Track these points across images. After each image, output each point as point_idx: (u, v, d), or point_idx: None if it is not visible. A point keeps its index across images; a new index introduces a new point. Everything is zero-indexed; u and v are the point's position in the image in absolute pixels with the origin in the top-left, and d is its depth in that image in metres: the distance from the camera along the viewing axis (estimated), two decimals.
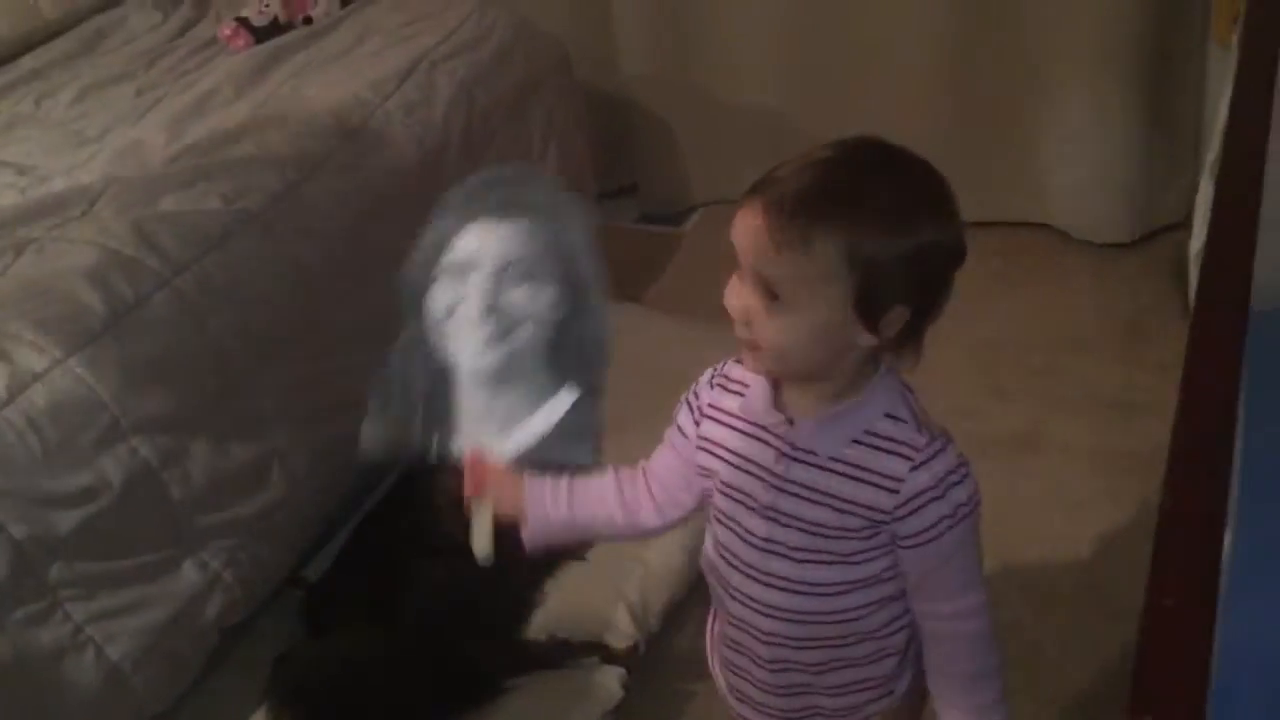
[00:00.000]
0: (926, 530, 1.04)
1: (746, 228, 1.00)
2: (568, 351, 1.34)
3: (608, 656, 1.86)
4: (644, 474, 1.22)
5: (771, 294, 0.99)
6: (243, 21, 2.40)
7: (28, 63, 2.43)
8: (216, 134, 2.01)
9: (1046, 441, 2.28)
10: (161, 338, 1.63)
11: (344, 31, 2.39)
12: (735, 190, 3.26)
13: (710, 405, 1.15)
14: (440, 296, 1.60)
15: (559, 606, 1.96)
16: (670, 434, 1.20)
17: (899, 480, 1.03)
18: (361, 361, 1.95)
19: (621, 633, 1.89)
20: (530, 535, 1.22)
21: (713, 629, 1.30)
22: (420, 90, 2.17)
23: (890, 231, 0.98)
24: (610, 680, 1.83)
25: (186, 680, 1.70)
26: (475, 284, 1.58)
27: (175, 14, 2.59)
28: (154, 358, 1.61)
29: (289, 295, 1.82)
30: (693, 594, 1.99)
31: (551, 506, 1.21)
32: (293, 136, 1.97)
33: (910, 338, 1.04)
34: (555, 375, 1.22)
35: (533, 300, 1.57)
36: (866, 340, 1.02)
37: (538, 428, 1.16)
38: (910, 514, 1.04)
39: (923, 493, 1.03)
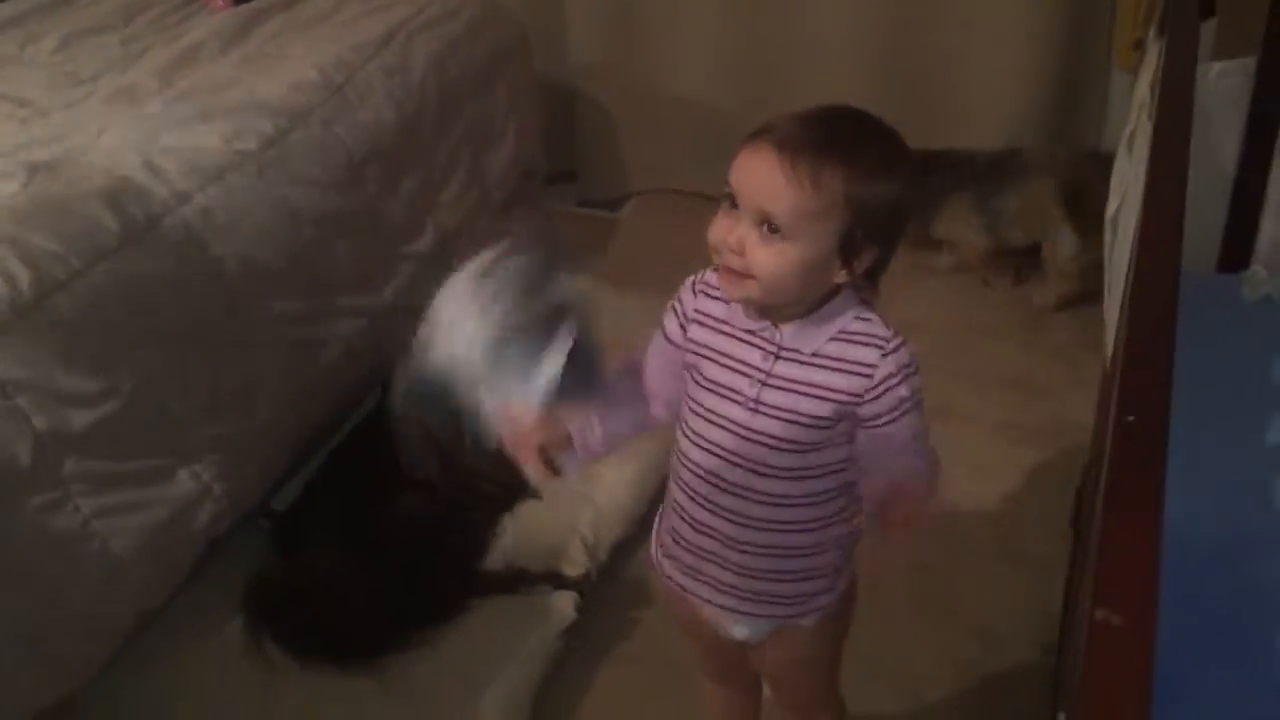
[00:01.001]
0: (889, 412, 1.20)
1: (753, 165, 1.14)
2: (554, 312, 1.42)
3: (561, 583, 2.01)
4: (642, 372, 1.35)
5: (770, 226, 1.13)
6: None
7: (4, 10, 2.48)
8: (208, 81, 2.12)
9: (955, 413, 2.50)
10: (170, 259, 1.74)
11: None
12: (671, 179, 3.47)
13: (696, 310, 1.28)
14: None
15: (516, 539, 2.10)
16: (655, 341, 1.33)
17: (872, 366, 1.19)
18: (343, 304, 2.09)
19: (574, 561, 2.04)
20: (577, 460, 1.34)
21: (659, 529, 1.43)
22: (398, 56, 2.30)
23: (879, 178, 1.15)
24: (564, 603, 1.97)
25: (177, 581, 1.80)
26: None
27: None
28: (163, 276, 1.72)
29: (281, 233, 1.94)
30: (639, 530, 2.16)
31: (590, 434, 1.33)
32: (282, 87, 2.09)
33: (870, 280, 1.21)
34: (548, 329, 1.31)
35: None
36: (840, 276, 1.18)
37: (548, 373, 1.26)
38: (876, 397, 1.19)
39: (888, 377, 1.19)
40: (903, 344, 1.21)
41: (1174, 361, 0.81)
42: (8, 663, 1.52)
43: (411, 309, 2.30)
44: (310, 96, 2.10)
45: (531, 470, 1.33)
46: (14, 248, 1.62)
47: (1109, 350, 1.42)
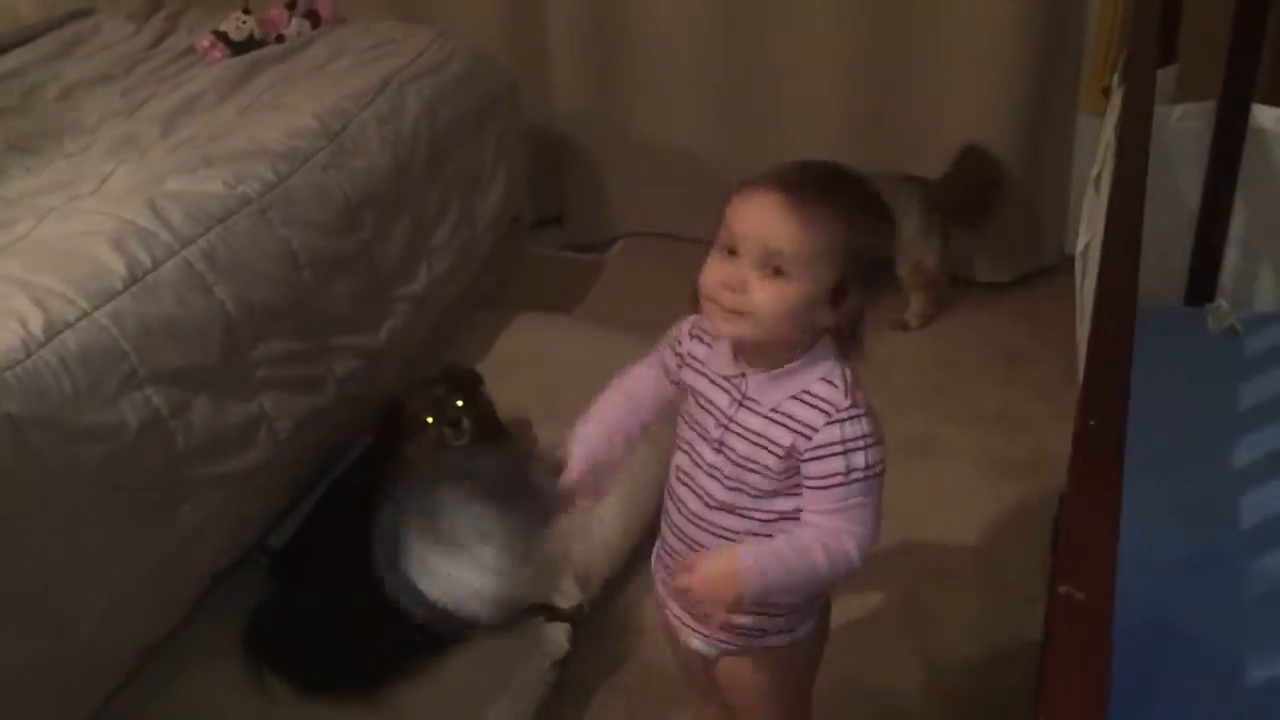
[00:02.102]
0: (826, 477, 1.23)
1: (759, 208, 1.20)
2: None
3: (554, 615, 2.05)
4: (634, 388, 1.43)
5: (771, 267, 1.19)
6: (220, 35, 2.56)
7: (7, 62, 2.55)
8: (208, 129, 2.19)
9: (936, 447, 2.57)
10: (173, 301, 1.79)
11: (316, 50, 2.57)
12: (654, 223, 3.55)
13: (689, 354, 1.37)
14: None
15: None
16: (658, 358, 1.42)
17: (815, 430, 1.23)
18: (339, 344, 2.14)
19: (567, 594, 2.08)
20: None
21: (659, 553, 1.48)
22: (391, 105, 2.37)
23: (874, 229, 1.24)
24: (558, 634, 2.01)
25: (179, 616, 1.84)
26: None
27: (147, 26, 2.73)
28: (167, 318, 1.77)
29: (281, 275, 1.99)
30: (629, 567, 2.21)
31: (610, 465, 1.39)
32: (281, 135, 2.16)
33: (853, 325, 1.27)
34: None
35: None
36: (827, 319, 1.24)
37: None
38: (815, 460, 1.23)
39: (829, 444, 1.22)
40: (858, 416, 1.24)
41: (1130, 373, 0.87)
42: (21, 694, 1.55)
43: (406, 349, 2.38)
44: (309, 143, 2.16)
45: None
46: (24, 289, 1.67)
47: (1080, 377, 1.49)
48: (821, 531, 1.24)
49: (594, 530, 2.20)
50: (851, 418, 1.23)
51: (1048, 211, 3.06)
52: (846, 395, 1.24)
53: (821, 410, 1.23)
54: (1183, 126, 1.75)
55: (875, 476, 1.25)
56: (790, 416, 1.25)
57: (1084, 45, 2.87)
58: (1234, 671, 1.12)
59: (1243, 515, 1.34)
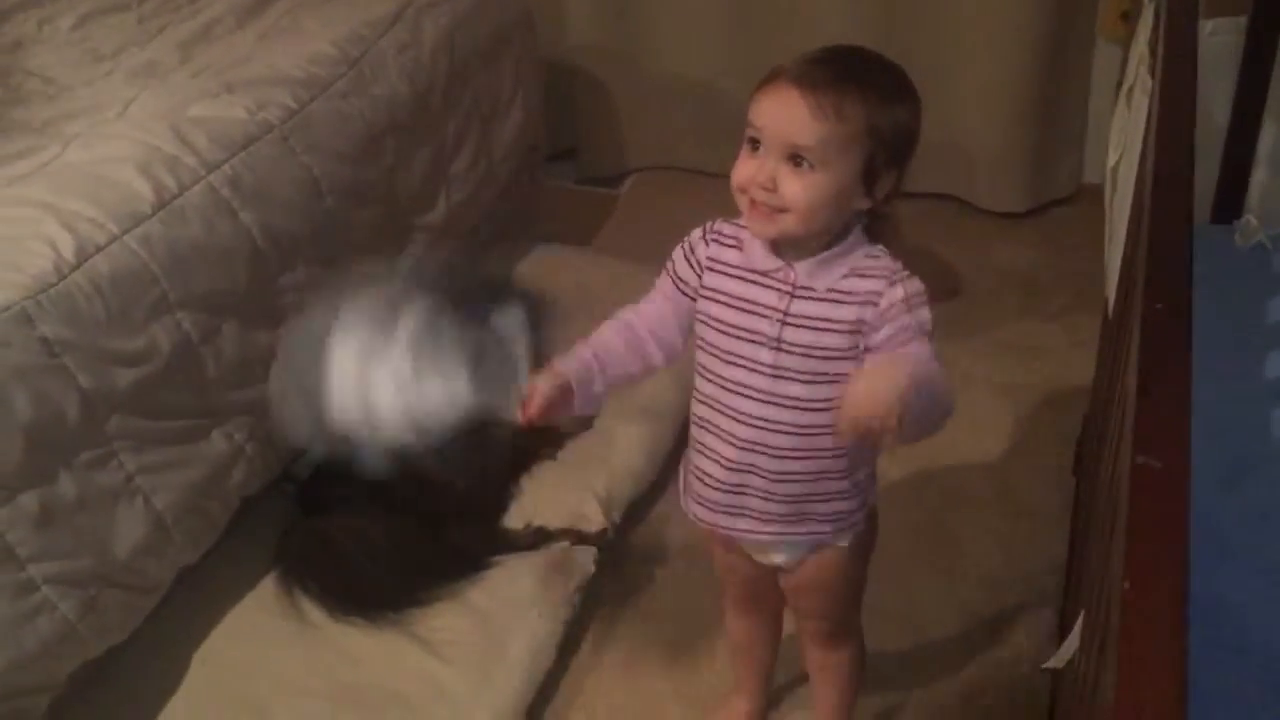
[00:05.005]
0: (899, 334, 1.25)
1: (777, 103, 1.22)
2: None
3: (579, 539, 2.08)
4: (638, 322, 1.41)
5: (797, 160, 1.21)
6: None
7: None
8: (228, 56, 2.17)
9: (955, 375, 2.54)
10: (201, 226, 1.79)
11: None
12: (669, 157, 3.53)
13: (709, 259, 1.35)
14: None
15: (535, 499, 2.17)
16: (663, 286, 1.40)
17: (879, 294, 1.25)
18: (360, 272, 2.14)
19: (591, 519, 2.11)
20: (583, 411, 1.40)
21: (685, 476, 1.48)
22: (409, 32, 2.35)
23: (894, 104, 1.24)
24: (584, 557, 2.04)
25: (214, 537, 1.86)
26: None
27: None
28: (195, 243, 1.78)
29: (304, 202, 1.99)
30: (652, 491, 2.24)
31: (596, 390, 1.38)
32: (300, 61, 2.15)
33: (886, 206, 1.28)
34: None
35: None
36: (863, 203, 1.26)
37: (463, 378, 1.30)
38: (885, 323, 1.25)
39: (895, 304, 1.25)
40: (910, 275, 1.27)
41: (1191, 256, 0.88)
42: (66, 613, 1.58)
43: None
44: (328, 70, 2.15)
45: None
46: (53, 213, 1.67)
47: (1110, 296, 1.50)
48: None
49: (616, 456, 2.22)
50: (906, 277, 1.27)
51: (1063, 140, 3.05)
52: (894, 260, 1.28)
53: (880, 276, 1.26)
54: (1213, 42, 1.74)
55: (931, 334, 1.27)
56: (849, 292, 1.27)
57: None
58: (1273, 570, 1.14)
59: (1273, 427, 1.36)
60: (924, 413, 1.17)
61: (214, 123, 1.93)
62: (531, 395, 1.31)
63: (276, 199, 1.93)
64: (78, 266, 1.62)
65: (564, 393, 1.34)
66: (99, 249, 1.66)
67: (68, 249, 1.63)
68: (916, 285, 1.27)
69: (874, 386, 1.15)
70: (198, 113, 1.94)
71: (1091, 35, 2.95)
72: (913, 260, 1.33)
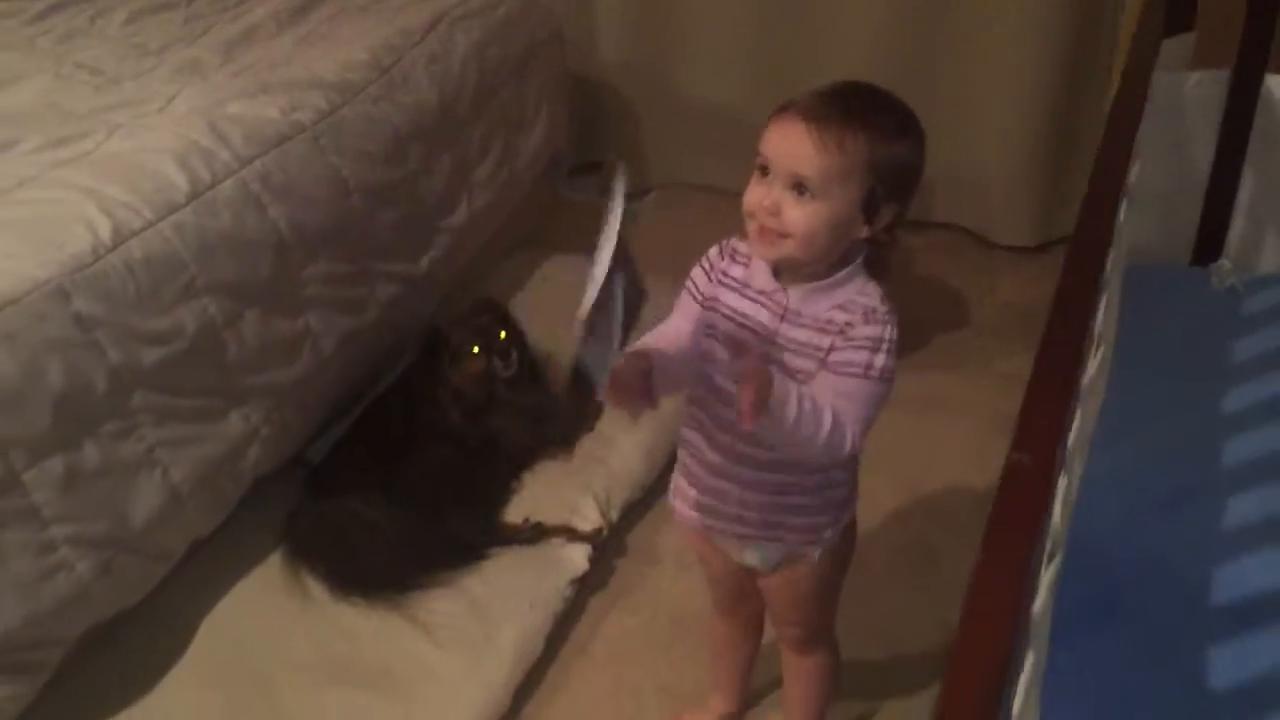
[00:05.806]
0: (848, 365, 1.30)
1: (784, 135, 1.29)
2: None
3: (574, 537, 2.15)
4: (661, 342, 1.43)
5: (800, 188, 1.28)
6: None
7: None
8: (267, 58, 2.28)
9: (950, 404, 2.63)
10: (231, 217, 1.90)
11: None
12: (689, 174, 3.61)
13: (723, 272, 1.43)
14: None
15: (534, 495, 2.25)
16: (684, 304, 1.46)
17: (851, 326, 1.31)
18: (382, 270, 2.25)
19: (587, 518, 2.19)
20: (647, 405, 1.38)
21: (676, 475, 1.56)
22: (441, 43, 2.46)
23: (896, 141, 1.31)
24: (577, 555, 2.11)
25: (225, 513, 1.96)
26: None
27: None
28: (224, 233, 1.88)
29: (331, 200, 2.09)
30: (647, 495, 2.31)
31: (666, 382, 1.38)
32: (335, 66, 2.25)
33: (887, 236, 1.35)
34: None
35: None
36: (862, 232, 1.32)
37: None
38: (845, 348, 1.30)
39: (863, 339, 1.30)
40: (888, 322, 1.31)
41: (1095, 298, 0.95)
42: (83, 573, 1.68)
43: (444, 279, 2.48)
44: (361, 76, 2.26)
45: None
46: (94, 198, 1.78)
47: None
48: (834, 407, 1.30)
49: (615, 458, 2.30)
50: (886, 322, 1.32)
51: (1077, 178, 3.11)
52: (883, 301, 1.33)
53: (858, 311, 1.32)
54: (1197, 93, 1.81)
55: (886, 381, 1.32)
56: (830, 322, 1.33)
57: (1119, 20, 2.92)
58: (1198, 592, 1.21)
59: (1224, 456, 1.43)
60: (783, 428, 1.25)
61: (250, 121, 2.03)
62: (620, 374, 1.30)
63: (305, 196, 2.04)
64: (113, 249, 1.73)
65: (644, 378, 1.34)
66: (134, 233, 1.76)
67: (105, 232, 1.73)
68: (891, 332, 1.31)
69: (762, 372, 1.23)
70: (235, 110, 2.05)
71: (1109, 74, 3.01)
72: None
